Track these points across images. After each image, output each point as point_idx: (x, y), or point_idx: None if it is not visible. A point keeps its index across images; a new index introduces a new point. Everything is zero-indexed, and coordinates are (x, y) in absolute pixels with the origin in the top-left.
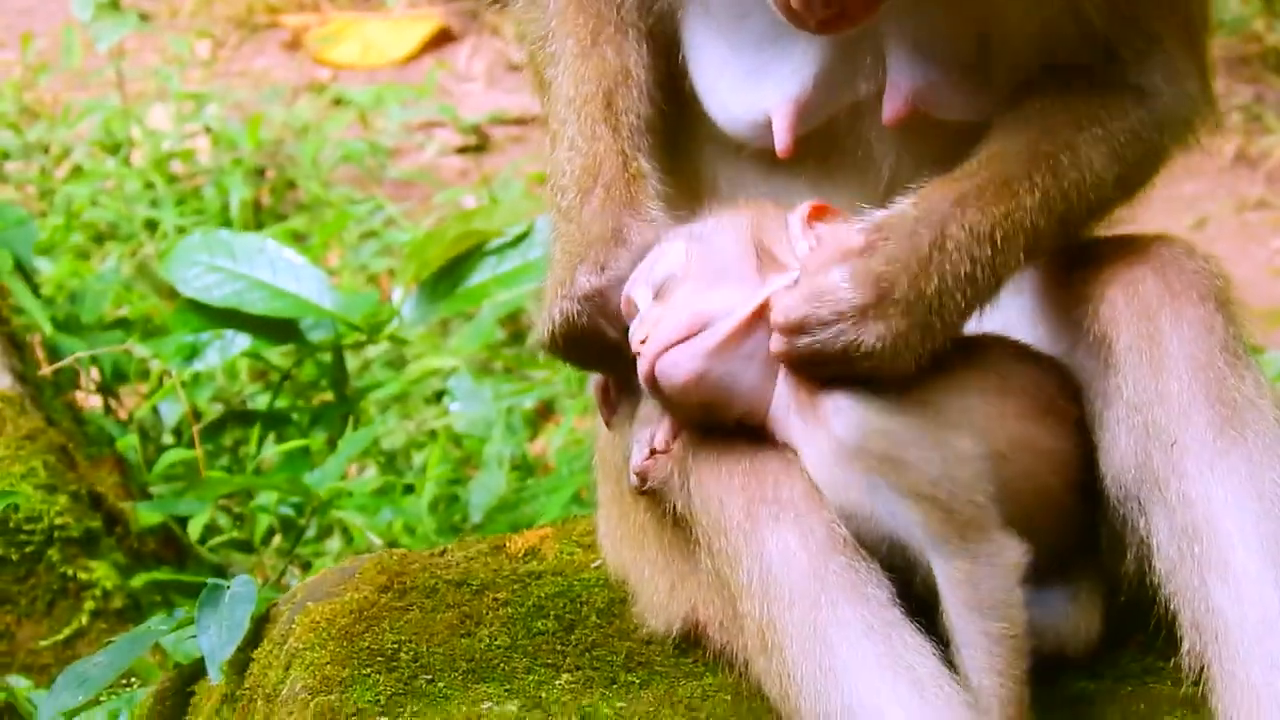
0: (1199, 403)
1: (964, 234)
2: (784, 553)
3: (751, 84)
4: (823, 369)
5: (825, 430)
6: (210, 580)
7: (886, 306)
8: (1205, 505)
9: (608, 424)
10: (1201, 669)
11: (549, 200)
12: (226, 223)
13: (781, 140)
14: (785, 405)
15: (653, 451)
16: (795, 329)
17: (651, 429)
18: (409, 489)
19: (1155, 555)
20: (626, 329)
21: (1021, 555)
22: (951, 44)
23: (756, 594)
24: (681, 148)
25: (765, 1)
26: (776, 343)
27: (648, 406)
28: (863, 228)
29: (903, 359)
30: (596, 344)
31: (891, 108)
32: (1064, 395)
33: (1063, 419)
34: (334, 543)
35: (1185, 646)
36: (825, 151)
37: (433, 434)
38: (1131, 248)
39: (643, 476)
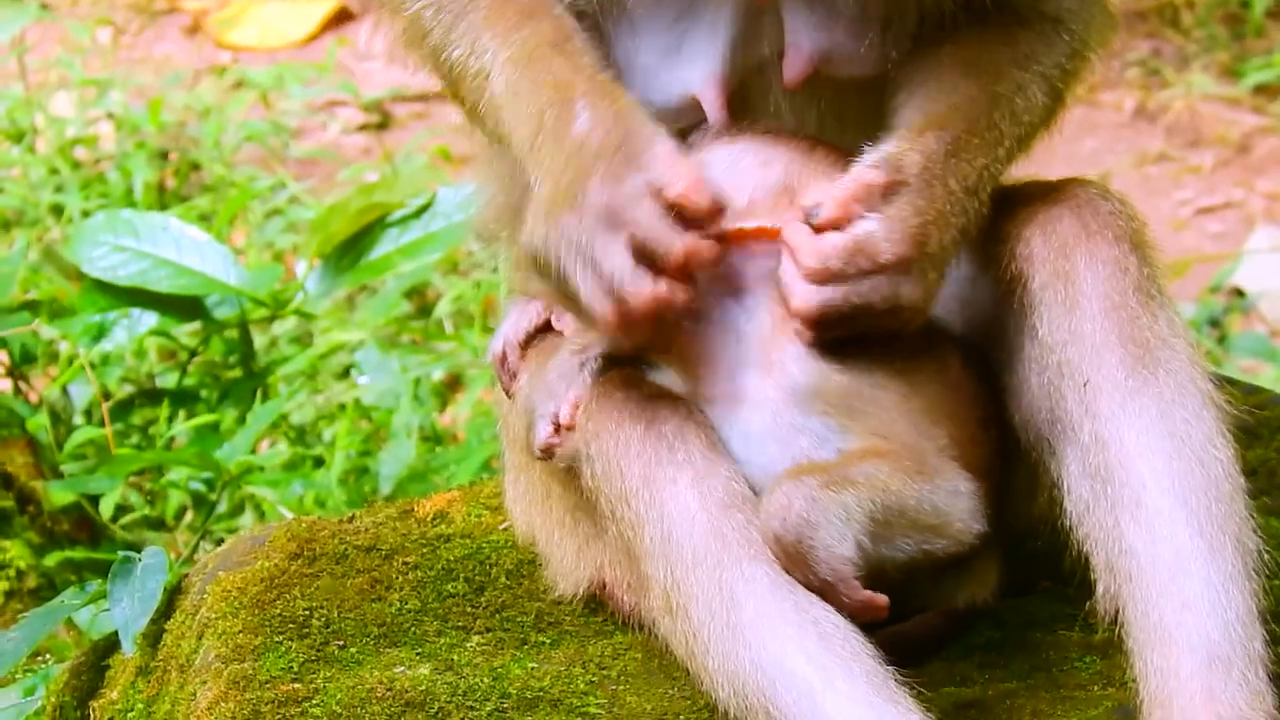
0: (1111, 342)
1: (958, 187)
2: (684, 514)
3: (669, 64)
4: (846, 325)
5: (780, 377)
6: (121, 553)
7: (923, 260)
8: (1118, 445)
9: (507, 393)
10: (1116, 611)
11: (526, 150)
12: (131, 205)
13: (715, 116)
14: (738, 355)
15: (558, 428)
16: (830, 277)
17: (555, 403)
18: (319, 462)
19: (1067, 497)
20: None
21: (974, 510)
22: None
23: (660, 557)
24: None
25: None
26: (804, 295)
27: (552, 376)
28: (875, 163)
29: (925, 313)
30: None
31: (792, 70)
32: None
33: (990, 427)
34: (247, 518)
35: (1099, 590)
36: (739, 116)
37: (341, 407)
38: (1048, 190)
39: (548, 451)
